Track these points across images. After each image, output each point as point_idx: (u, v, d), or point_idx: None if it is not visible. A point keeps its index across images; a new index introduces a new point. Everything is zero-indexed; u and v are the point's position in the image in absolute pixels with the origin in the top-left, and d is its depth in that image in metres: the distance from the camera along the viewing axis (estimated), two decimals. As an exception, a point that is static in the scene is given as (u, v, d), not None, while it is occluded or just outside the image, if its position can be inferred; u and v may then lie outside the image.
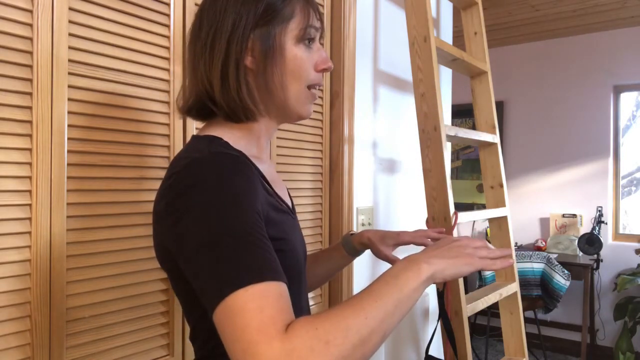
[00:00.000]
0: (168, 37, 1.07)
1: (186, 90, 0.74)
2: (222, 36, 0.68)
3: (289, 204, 0.81)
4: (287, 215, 0.74)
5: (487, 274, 3.15)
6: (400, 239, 0.98)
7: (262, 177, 0.70)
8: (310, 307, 0.88)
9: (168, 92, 1.07)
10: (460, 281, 1.40)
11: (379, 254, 0.98)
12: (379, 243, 0.97)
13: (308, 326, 0.50)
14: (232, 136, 0.71)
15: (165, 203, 0.62)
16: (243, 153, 0.68)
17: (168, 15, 1.07)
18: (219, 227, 0.55)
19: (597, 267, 3.47)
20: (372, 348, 0.54)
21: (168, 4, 1.07)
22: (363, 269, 1.70)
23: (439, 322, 1.41)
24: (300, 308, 0.75)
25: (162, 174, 1.05)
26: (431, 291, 2.05)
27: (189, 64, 0.73)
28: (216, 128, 0.72)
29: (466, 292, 1.49)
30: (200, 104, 0.72)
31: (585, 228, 3.64)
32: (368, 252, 1.01)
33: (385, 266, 1.83)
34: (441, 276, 0.64)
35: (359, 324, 0.52)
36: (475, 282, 3.80)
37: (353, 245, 1.00)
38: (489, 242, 4.15)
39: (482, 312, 3.45)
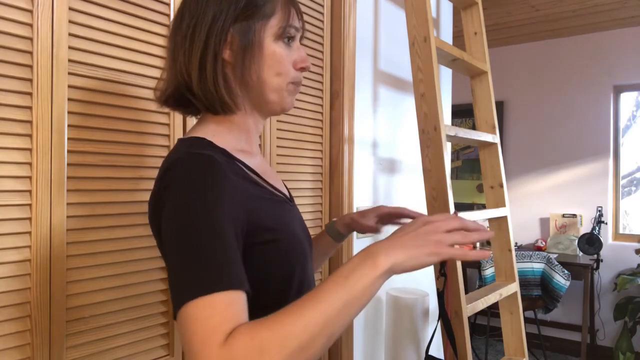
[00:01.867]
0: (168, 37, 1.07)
1: (164, 80, 0.75)
2: (202, 28, 0.69)
3: (286, 193, 0.82)
4: (284, 204, 0.75)
5: (487, 273, 3.15)
6: (380, 210, 0.98)
7: (251, 171, 0.71)
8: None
9: (168, 92, 1.07)
10: (460, 281, 1.40)
11: (363, 229, 0.98)
12: (361, 219, 0.98)
13: (245, 335, 0.51)
14: (219, 133, 0.72)
15: (150, 210, 0.66)
16: (225, 150, 0.69)
17: (168, 15, 1.07)
18: (182, 236, 0.57)
19: (597, 267, 3.47)
20: (316, 352, 0.54)
21: (168, 4, 1.07)
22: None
23: (439, 322, 1.41)
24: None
25: (162, 174, 1.05)
26: (431, 291, 2.05)
27: (169, 55, 0.74)
28: (202, 127, 0.73)
29: (466, 292, 1.49)
30: (178, 94, 0.73)
31: (585, 228, 3.64)
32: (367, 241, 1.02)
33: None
34: (401, 268, 0.60)
35: (298, 331, 0.52)
36: (475, 282, 3.80)
37: (337, 230, 1.00)
38: (488, 242, 4.11)
39: (482, 312, 3.45)
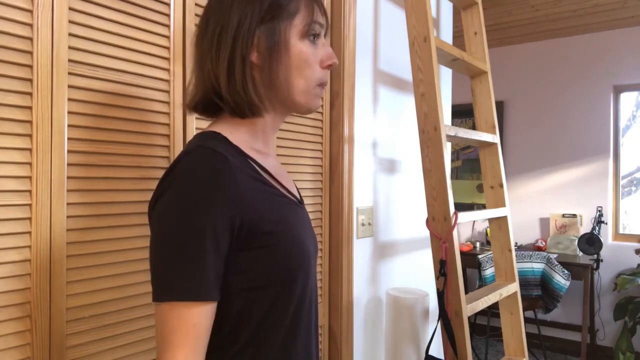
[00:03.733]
0: (168, 37, 1.07)
1: (192, 87, 0.75)
2: (228, 33, 0.69)
3: (297, 195, 0.82)
4: (294, 205, 0.75)
5: (487, 273, 3.15)
6: None
7: (263, 170, 0.71)
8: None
9: (168, 92, 1.07)
10: (460, 281, 1.40)
11: None
12: None
13: None
14: (236, 131, 0.72)
15: (153, 195, 0.68)
16: (239, 148, 0.69)
17: (168, 15, 1.07)
18: (170, 233, 0.61)
19: (597, 267, 3.47)
20: None
21: (168, 4, 1.07)
22: (363, 268, 1.70)
23: (439, 322, 1.41)
24: (305, 300, 0.74)
25: (162, 173, 1.05)
26: (431, 291, 2.05)
27: (196, 62, 0.74)
28: (220, 124, 0.73)
29: (466, 292, 1.49)
30: (206, 99, 0.73)
31: (585, 228, 3.64)
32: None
33: (388, 269, 1.83)
34: None
35: None
36: (475, 282, 3.80)
37: None
38: (488, 242, 4.13)
39: (482, 312, 3.45)
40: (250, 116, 0.72)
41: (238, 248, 0.64)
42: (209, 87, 0.71)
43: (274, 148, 0.80)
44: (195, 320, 0.60)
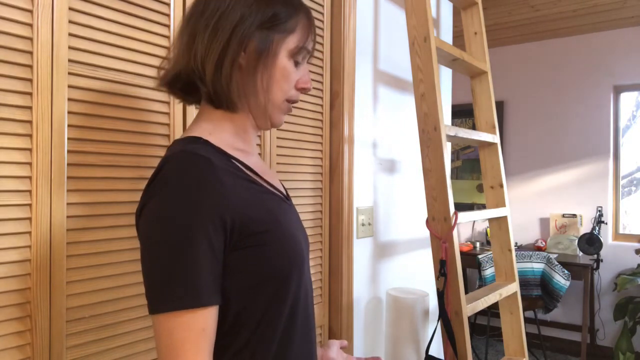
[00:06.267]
0: (168, 37, 1.07)
1: (171, 60, 0.75)
2: (227, 24, 0.69)
3: (283, 191, 0.82)
4: (281, 202, 0.75)
5: (487, 273, 3.15)
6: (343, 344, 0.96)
7: (248, 169, 0.72)
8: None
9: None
10: (460, 281, 1.40)
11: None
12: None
13: None
14: (217, 131, 0.73)
15: (138, 205, 0.67)
16: (221, 149, 0.69)
17: (168, 16, 1.07)
18: (160, 241, 0.60)
19: (597, 267, 3.47)
20: None
21: (168, 4, 1.07)
22: (363, 268, 1.70)
23: (439, 322, 1.41)
24: (301, 297, 0.74)
25: (162, 174, 1.05)
26: (431, 291, 2.05)
27: (184, 36, 0.72)
28: (199, 125, 0.73)
29: (466, 292, 1.49)
30: (188, 79, 0.73)
31: (585, 228, 3.64)
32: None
33: (388, 269, 1.83)
34: None
35: None
36: (475, 282, 3.80)
37: None
38: (488, 242, 4.14)
39: (482, 312, 3.45)
40: (224, 109, 0.73)
41: (231, 248, 0.64)
42: (192, 69, 0.71)
43: (255, 148, 0.80)
44: (203, 325, 0.59)
